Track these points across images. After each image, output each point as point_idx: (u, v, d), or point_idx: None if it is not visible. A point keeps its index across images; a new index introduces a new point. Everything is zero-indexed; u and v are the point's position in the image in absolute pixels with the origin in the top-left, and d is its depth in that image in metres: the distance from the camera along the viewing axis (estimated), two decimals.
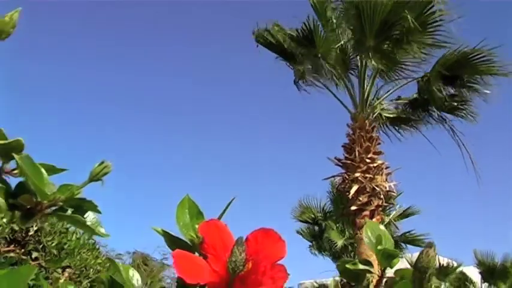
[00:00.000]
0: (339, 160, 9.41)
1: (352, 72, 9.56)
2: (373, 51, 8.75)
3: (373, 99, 9.46)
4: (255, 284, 0.93)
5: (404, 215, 13.38)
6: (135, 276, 1.05)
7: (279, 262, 0.97)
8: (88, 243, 3.67)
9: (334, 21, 9.04)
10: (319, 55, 9.14)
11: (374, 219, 8.83)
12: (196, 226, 1.05)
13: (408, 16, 8.17)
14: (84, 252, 3.62)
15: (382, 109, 9.64)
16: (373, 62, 8.69)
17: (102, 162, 0.80)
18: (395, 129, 10.16)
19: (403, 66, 9.14)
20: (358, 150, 9.02)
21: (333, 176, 9.72)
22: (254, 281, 0.92)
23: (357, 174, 8.96)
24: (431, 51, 8.92)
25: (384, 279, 1.05)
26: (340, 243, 13.56)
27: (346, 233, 13.33)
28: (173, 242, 1.00)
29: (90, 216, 0.82)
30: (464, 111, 9.40)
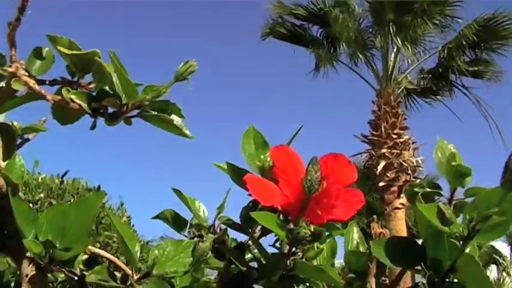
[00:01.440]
0: (366, 137, 9.37)
1: (373, 49, 9.47)
2: (394, 25, 8.66)
3: (397, 74, 9.38)
4: (329, 207, 0.90)
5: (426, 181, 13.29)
6: (202, 208, 1.03)
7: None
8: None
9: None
10: (337, 34, 9.06)
11: (402, 195, 8.79)
12: (262, 157, 1.02)
13: None
14: None
15: (407, 83, 9.55)
16: (394, 36, 8.61)
17: (187, 62, 0.77)
18: (421, 101, 10.08)
19: (425, 38, 9.05)
20: (384, 126, 8.96)
21: (360, 153, 9.69)
22: (327, 204, 0.90)
23: (384, 150, 8.92)
24: (451, 21, 8.83)
25: (454, 202, 1.02)
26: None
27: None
28: (238, 174, 0.97)
29: (175, 119, 0.79)
30: (488, 73, 9.29)
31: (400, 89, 9.37)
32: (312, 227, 0.89)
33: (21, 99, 0.78)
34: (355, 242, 1.14)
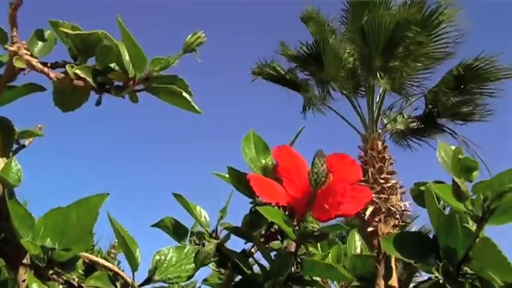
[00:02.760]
0: None
1: (360, 93, 9.56)
2: (381, 71, 8.77)
3: (382, 118, 9.44)
4: (335, 204, 0.88)
5: None
6: (203, 213, 1.01)
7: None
8: None
9: (339, 44, 9.08)
10: (327, 79, 9.15)
11: None
12: (263, 161, 1.01)
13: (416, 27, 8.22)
14: None
15: (393, 127, 9.60)
16: (381, 81, 8.70)
17: (195, 33, 0.76)
18: (409, 143, 10.11)
19: (411, 82, 9.16)
20: (371, 171, 8.96)
21: None
22: (334, 202, 0.88)
23: (372, 196, 8.89)
24: (438, 64, 8.97)
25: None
26: None
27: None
28: (239, 178, 0.95)
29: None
30: (476, 115, 9.38)
31: (386, 134, 9.41)
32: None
33: (20, 89, 0.76)
34: (358, 248, 1.12)
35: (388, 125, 9.43)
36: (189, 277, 0.93)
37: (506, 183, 0.75)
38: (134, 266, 0.92)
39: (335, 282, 1.13)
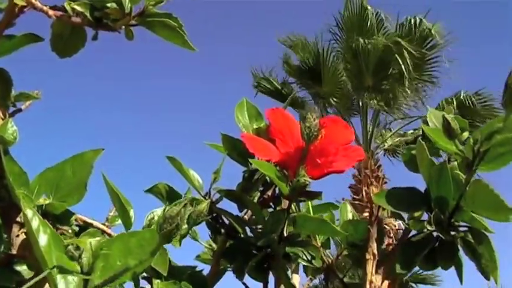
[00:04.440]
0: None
1: (354, 112, 9.59)
2: (373, 91, 8.81)
3: (376, 137, 9.46)
4: (327, 163, 0.89)
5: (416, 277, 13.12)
6: (196, 177, 1.01)
7: None
8: None
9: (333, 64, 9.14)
10: (324, 97, 9.18)
11: None
12: (256, 126, 1.02)
13: (407, 51, 8.27)
14: None
15: (387, 147, 9.62)
16: (373, 101, 8.73)
17: None
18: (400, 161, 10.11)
19: (404, 104, 9.19)
20: (365, 190, 8.95)
21: None
22: (326, 161, 0.89)
23: (366, 214, 8.86)
24: (431, 89, 9.03)
25: None
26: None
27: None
28: (234, 144, 0.96)
29: None
30: None
31: (380, 153, 9.42)
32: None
33: (19, 39, 0.77)
34: (349, 216, 1.13)
35: (382, 144, 9.44)
36: (182, 236, 0.93)
37: (495, 127, 0.76)
38: (128, 225, 0.92)
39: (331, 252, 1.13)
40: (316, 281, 1.15)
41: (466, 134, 0.95)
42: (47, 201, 0.85)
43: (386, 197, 0.86)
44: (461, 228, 0.87)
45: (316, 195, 0.93)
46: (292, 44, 9.48)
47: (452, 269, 0.87)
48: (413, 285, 13.50)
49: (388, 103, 8.97)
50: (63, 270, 0.55)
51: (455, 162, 0.85)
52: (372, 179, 9.01)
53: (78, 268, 0.57)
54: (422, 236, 0.87)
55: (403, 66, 8.61)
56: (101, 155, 0.88)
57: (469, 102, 9.00)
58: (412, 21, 8.86)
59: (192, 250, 1.30)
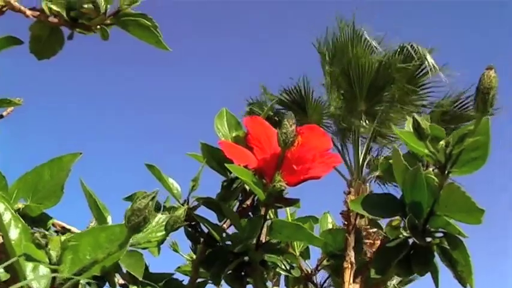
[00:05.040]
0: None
1: (346, 139, 9.61)
2: (366, 116, 8.84)
3: (367, 163, 9.47)
4: (304, 170, 0.90)
5: (404, 282, 13.09)
6: (175, 185, 1.02)
7: None
8: None
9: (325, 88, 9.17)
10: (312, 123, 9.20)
11: None
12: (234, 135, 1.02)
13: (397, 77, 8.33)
14: None
15: (379, 173, 9.61)
16: (366, 126, 8.76)
17: None
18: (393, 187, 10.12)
19: (399, 127, 9.21)
20: (367, 232, 8.91)
21: None
22: (303, 168, 0.89)
23: (368, 255, 8.83)
24: (424, 110, 9.05)
25: None
26: None
27: None
28: (213, 154, 0.97)
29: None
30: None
31: (371, 180, 9.42)
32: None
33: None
34: (329, 226, 1.13)
35: (374, 171, 9.44)
36: (159, 243, 0.93)
37: (467, 130, 0.77)
38: None
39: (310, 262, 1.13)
40: None
41: (442, 143, 0.96)
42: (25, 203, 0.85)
43: (362, 203, 0.87)
44: (436, 235, 0.87)
45: (294, 202, 0.93)
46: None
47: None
48: None
49: (381, 128, 8.99)
50: (30, 259, 0.55)
51: (431, 169, 0.86)
52: None
53: (47, 259, 0.57)
54: (398, 242, 0.87)
55: (396, 92, 8.66)
56: (79, 158, 0.89)
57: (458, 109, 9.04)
58: (406, 46, 8.93)
59: (173, 263, 1.30)
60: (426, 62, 8.86)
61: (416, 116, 0.74)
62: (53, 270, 0.57)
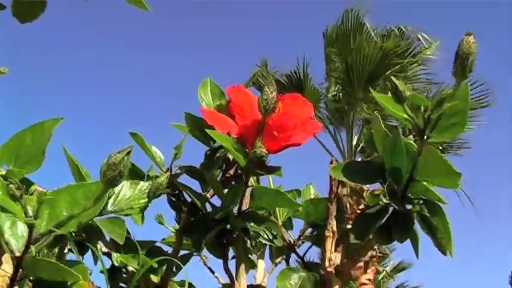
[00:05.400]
0: None
1: (340, 124, 9.61)
2: (363, 102, 8.84)
3: (360, 149, 9.48)
4: (285, 137, 0.90)
5: (398, 269, 13.09)
6: (159, 153, 1.02)
7: None
8: None
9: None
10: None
11: (369, 271, 8.69)
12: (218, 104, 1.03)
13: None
14: None
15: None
16: (363, 113, 8.76)
17: None
18: None
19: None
20: (349, 202, 8.93)
21: None
22: (284, 136, 0.90)
23: (349, 226, 8.85)
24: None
25: None
26: None
27: None
28: (196, 123, 0.97)
29: None
30: (453, 148, 9.43)
31: None
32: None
33: None
34: (312, 196, 1.14)
35: (366, 156, 9.44)
36: (142, 209, 0.94)
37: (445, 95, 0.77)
38: None
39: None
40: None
41: (421, 108, 0.97)
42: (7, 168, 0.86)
43: (343, 170, 0.87)
44: (417, 202, 0.88)
45: (275, 169, 0.94)
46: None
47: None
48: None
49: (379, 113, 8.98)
50: (4, 210, 0.55)
51: (411, 136, 0.87)
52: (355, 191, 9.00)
53: (23, 214, 0.58)
54: (377, 209, 0.88)
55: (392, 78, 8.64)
56: (60, 123, 0.89)
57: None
58: (400, 28, 8.93)
59: (159, 236, 1.30)
60: (420, 37, 8.86)
61: (394, 79, 0.74)
62: (30, 225, 0.57)
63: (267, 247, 1.27)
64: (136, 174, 1.04)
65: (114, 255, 0.97)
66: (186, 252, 1.22)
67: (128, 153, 0.58)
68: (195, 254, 1.25)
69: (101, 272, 0.94)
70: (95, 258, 0.94)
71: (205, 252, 1.24)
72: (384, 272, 12.27)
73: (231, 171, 1.00)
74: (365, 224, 0.87)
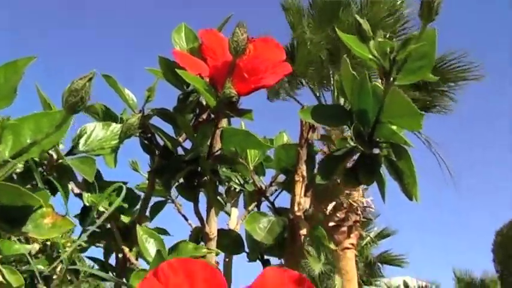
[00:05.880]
0: None
1: (326, 89, 9.61)
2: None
3: None
4: (256, 80, 0.91)
5: (381, 235, 13.21)
6: (131, 95, 1.02)
7: None
8: None
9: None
10: (297, 72, 9.18)
11: (352, 235, 8.78)
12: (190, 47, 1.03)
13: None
14: None
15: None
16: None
17: None
18: None
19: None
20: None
21: None
22: (255, 79, 0.90)
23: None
24: None
25: None
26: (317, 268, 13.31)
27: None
28: (170, 67, 0.97)
29: None
30: (436, 108, 9.46)
31: (348, 131, 9.44)
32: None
33: None
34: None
35: None
36: (113, 150, 0.94)
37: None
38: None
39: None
40: None
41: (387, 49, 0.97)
42: None
43: (311, 112, 0.88)
44: (384, 146, 0.89)
45: (246, 112, 0.95)
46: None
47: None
48: (380, 265, 13.73)
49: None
50: None
51: (379, 80, 0.87)
52: None
53: None
54: (344, 151, 0.89)
55: (356, 16, 8.63)
56: (33, 61, 0.89)
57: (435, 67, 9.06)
58: None
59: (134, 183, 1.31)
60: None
61: (357, 17, 0.75)
62: None
63: (241, 196, 1.29)
64: (109, 117, 1.05)
65: (85, 195, 0.98)
66: (160, 199, 1.24)
67: (90, 79, 0.59)
68: (169, 201, 1.27)
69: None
70: (65, 197, 0.95)
71: (180, 200, 1.26)
72: (368, 237, 12.45)
73: (204, 116, 1.01)
74: (331, 164, 0.89)
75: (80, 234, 0.97)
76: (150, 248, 0.86)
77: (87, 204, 0.97)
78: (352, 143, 0.89)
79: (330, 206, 8.92)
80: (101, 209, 0.98)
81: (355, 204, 9.15)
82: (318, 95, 9.37)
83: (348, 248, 9.61)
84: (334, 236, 9.13)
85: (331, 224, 9.14)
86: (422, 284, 14.37)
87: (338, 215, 9.11)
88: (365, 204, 9.28)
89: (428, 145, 9.53)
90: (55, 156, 0.93)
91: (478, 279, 14.49)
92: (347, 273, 9.02)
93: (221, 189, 1.21)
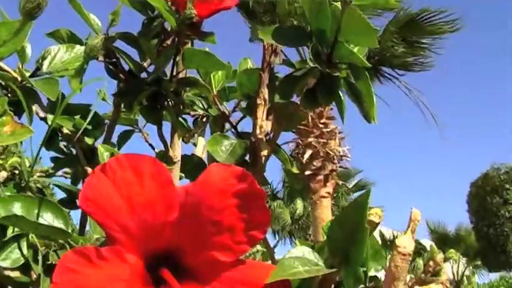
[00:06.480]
0: None
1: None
2: None
3: None
4: (217, 2, 0.92)
5: (358, 186, 13.30)
6: (96, 20, 1.02)
7: None
8: None
9: None
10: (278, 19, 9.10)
11: (328, 184, 8.86)
12: None
13: None
14: None
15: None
16: None
17: None
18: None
19: None
20: (311, 116, 9.00)
21: (287, 142, 9.66)
22: (217, 1, 0.92)
23: (311, 140, 8.93)
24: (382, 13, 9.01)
25: None
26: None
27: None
28: None
29: None
30: (418, 66, 9.49)
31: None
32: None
33: None
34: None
35: None
36: (77, 71, 0.95)
37: None
38: (23, 58, 0.94)
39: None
40: None
41: None
42: None
43: (272, 33, 0.89)
44: (344, 68, 0.90)
45: (207, 35, 0.96)
46: None
47: None
48: None
49: None
50: None
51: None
52: None
53: None
54: (303, 71, 0.90)
55: None
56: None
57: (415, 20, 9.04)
58: None
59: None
60: None
61: None
62: None
63: (208, 126, 1.30)
64: (74, 42, 1.05)
65: (50, 117, 0.99)
66: (128, 128, 1.25)
67: None
68: (136, 130, 1.28)
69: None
70: (30, 119, 0.96)
71: (147, 129, 1.27)
72: (343, 186, 12.56)
73: (168, 42, 1.02)
74: (290, 84, 0.90)
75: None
76: None
77: (51, 125, 0.97)
78: (311, 64, 0.91)
79: (307, 155, 9.02)
80: (66, 130, 0.99)
81: (331, 153, 9.24)
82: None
83: (324, 197, 9.70)
84: (310, 185, 9.26)
85: (307, 172, 9.24)
86: (398, 235, 14.59)
87: (314, 163, 9.18)
88: (341, 153, 9.39)
89: (409, 92, 9.57)
90: (19, 78, 0.94)
91: (452, 232, 14.77)
92: (323, 221, 9.16)
93: (190, 121, 1.22)
